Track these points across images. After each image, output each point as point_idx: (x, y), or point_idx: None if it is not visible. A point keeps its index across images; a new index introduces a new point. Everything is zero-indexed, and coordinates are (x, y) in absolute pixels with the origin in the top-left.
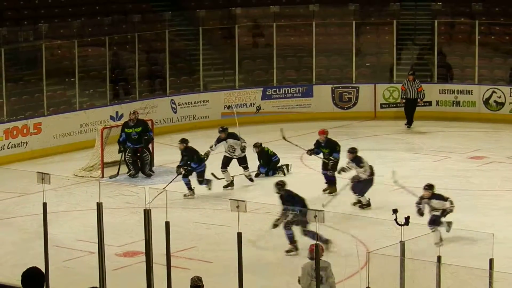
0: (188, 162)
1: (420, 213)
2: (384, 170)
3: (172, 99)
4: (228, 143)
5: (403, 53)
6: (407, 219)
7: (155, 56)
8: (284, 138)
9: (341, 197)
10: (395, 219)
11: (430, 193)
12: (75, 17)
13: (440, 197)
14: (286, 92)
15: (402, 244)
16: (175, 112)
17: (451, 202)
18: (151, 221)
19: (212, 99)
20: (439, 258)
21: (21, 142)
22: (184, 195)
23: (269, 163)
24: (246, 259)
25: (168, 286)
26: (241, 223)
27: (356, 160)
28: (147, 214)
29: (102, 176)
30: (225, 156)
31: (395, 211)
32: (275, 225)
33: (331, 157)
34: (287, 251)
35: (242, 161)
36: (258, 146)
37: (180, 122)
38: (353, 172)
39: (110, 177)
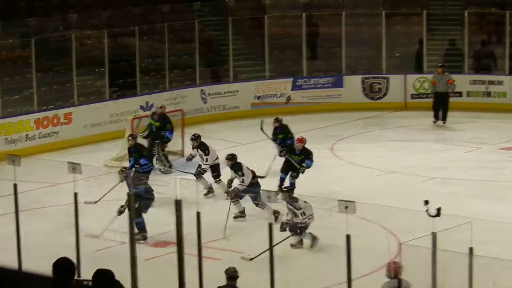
0: (138, 160)
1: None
2: (414, 161)
3: (202, 90)
4: (198, 152)
5: (433, 43)
6: (438, 210)
7: (185, 46)
8: (261, 129)
9: (374, 188)
10: (427, 210)
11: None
12: (104, 7)
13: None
14: (316, 82)
15: (434, 235)
16: (205, 103)
17: (303, 214)
18: (183, 211)
19: (242, 89)
20: (471, 249)
21: (52, 132)
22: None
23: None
24: (278, 249)
25: (200, 276)
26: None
27: (236, 167)
28: (178, 204)
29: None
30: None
31: (426, 202)
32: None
33: (303, 164)
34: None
35: (213, 170)
36: (279, 121)
37: (210, 112)
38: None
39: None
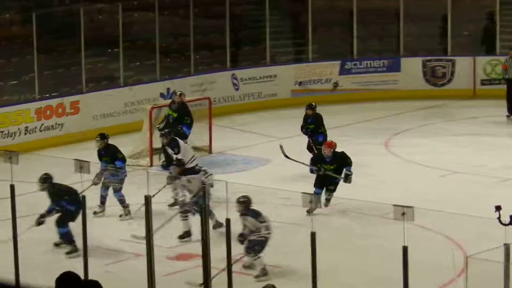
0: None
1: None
2: (485, 159)
3: (233, 74)
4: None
5: (507, 19)
6: None
7: (213, 23)
8: (285, 155)
9: (436, 191)
10: (498, 218)
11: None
12: None
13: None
14: (369, 65)
15: (507, 247)
16: (236, 89)
17: (267, 228)
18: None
19: (280, 74)
20: None
21: (56, 124)
22: (95, 212)
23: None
24: (321, 263)
25: None
26: (316, 221)
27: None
28: (204, 210)
29: (151, 165)
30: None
31: (498, 208)
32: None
33: (347, 172)
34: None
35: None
36: (313, 108)
37: (242, 101)
38: None
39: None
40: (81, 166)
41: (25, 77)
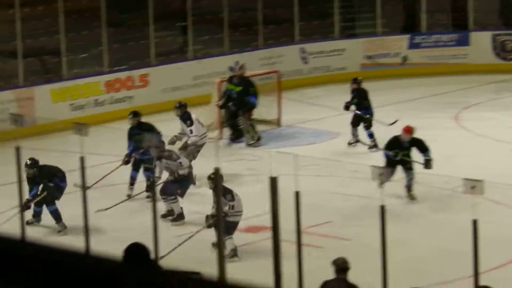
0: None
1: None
2: None
3: (302, 48)
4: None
5: None
6: None
7: None
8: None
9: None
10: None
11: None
12: None
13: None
14: (438, 40)
15: None
16: (305, 63)
17: (233, 207)
18: (278, 190)
19: (349, 47)
20: None
21: (125, 97)
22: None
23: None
24: (392, 237)
25: (299, 267)
26: (385, 194)
27: (185, 116)
28: (273, 182)
29: (220, 138)
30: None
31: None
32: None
33: (427, 158)
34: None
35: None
36: (358, 83)
37: (311, 74)
38: None
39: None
40: (150, 139)
41: (94, 51)
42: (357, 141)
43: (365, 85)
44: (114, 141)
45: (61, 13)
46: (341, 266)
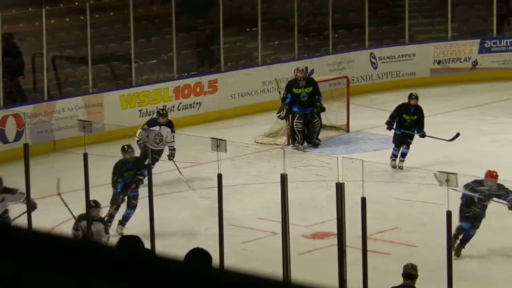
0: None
1: None
2: None
3: (371, 53)
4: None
5: None
6: None
7: (352, 1)
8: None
9: None
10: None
11: None
12: None
13: None
14: (509, 44)
15: None
16: (375, 68)
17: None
18: (345, 196)
19: (419, 52)
20: None
21: (194, 103)
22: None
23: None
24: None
25: (364, 273)
26: (452, 200)
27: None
28: (340, 188)
29: (288, 144)
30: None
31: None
32: None
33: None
34: None
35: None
36: (414, 98)
37: (381, 79)
38: None
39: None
40: (218, 144)
41: (163, 56)
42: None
43: (435, 91)
44: (182, 147)
45: (131, 19)
46: (407, 272)
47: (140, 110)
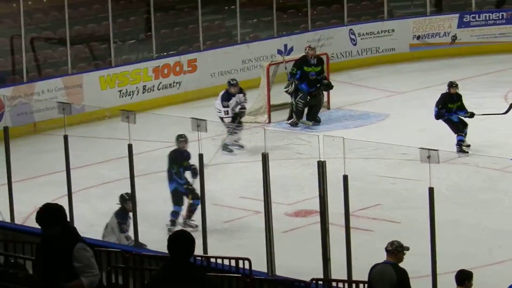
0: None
1: None
2: None
3: (351, 29)
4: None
5: None
6: None
7: None
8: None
9: None
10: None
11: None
12: None
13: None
14: (488, 18)
15: None
16: (354, 44)
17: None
18: (327, 174)
19: (398, 27)
20: None
21: (173, 82)
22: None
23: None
24: (440, 218)
25: (348, 251)
26: (434, 176)
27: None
28: (321, 166)
29: (269, 122)
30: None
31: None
32: None
33: None
34: None
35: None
36: (455, 86)
37: (360, 56)
38: None
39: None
40: (198, 124)
41: (142, 36)
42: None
43: (415, 66)
44: (162, 127)
45: None
46: (393, 249)
47: (120, 91)
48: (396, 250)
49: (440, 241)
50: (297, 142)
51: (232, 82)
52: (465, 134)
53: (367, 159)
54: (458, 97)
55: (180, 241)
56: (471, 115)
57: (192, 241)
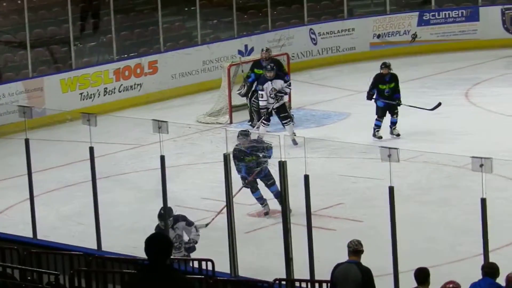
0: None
1: None
2: None
3: (311, 29)
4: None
5: None
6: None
7: None
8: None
9: None
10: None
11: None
12: None
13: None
14: (447, 16)
15: None
16: (315, 44)
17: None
18: (288, 174)
19: (358, 26)
20: None
21: (134, 84)
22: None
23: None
24: (402, 217)
25: (310, 250)
26: (394, 175)
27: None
28: (282, 166)
29: (230, 122)
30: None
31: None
32: None
33: None
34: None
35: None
36: (388, 66)
37: (321, 55)
38: None
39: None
40: (160, 126)
41: (102, 38)
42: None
43: (375, 65)
44: (124, 129)
45: (68, 1)
46: (354, 249)
47: (81, 93)
48: (356, 248)
49: (401, 240)
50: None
51: (268, 68)
52: (392, 122)
53: (328, 158)
54: (392, 78)
55: (157, 243)
56: (398, 103)
57: (169, 243)
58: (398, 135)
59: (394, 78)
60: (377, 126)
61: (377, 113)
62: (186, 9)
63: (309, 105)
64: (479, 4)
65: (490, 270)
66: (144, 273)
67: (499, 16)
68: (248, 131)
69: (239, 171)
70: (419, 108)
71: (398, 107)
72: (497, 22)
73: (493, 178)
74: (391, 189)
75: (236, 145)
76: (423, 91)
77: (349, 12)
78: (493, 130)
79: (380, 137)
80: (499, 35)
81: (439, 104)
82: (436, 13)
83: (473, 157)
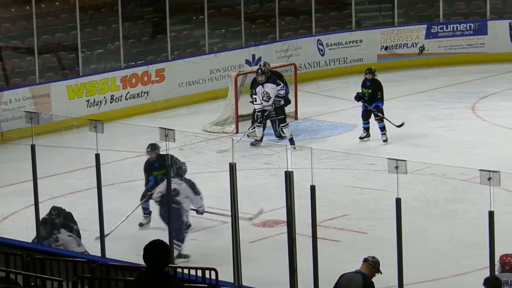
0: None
1: None
2: None
3: (318, 39)
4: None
5: None
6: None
7: None
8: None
9: None
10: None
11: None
12: None
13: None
14: (455, 29)
15: None
16: (322, 55)
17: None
18: (294, 185)
19: (366, 38)
20: None
21: (141, 92)
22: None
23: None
24: (407, 229)
25: (314, 261)
26: (401, 187)
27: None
28: (289, 176)
29: (237, 132)
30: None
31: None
32: None
33: None
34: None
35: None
36: (372, 72)
37: (328, 66)
38: None
39: (249, 136)
40: (167, 134)
41: (110, 46)
42: (368, 135)
43: (382, 77)
44: (130, 137)
45: (77, 8)
46: (370, 262)
47: (88, 100)
48: (373, 264)
49: (407, 252)
50: (265, 152)
51: (259, 72)
52: (379, 127)
53: (334, 169)
54: (373, 84)
55: (156, 250)
56: (372, 110)
57: (168, 250)
58: (384, 141)
59: (375, 85)
60: (363, 129)
61: (362, 117)
62: (194, 18)
63: (315, 115)
64: (487, 17)
65: (495, 281)
66: (142, 280)
67: (507, 30)
68: (157, 144)
69: (147, 182)
70: (390, 122)
71: (380, 114)
72: (505, 36)
73: (499, 191)
74: (398, 201)
75: (148, 158)
76: (430, 104)
77: (357, 23)
78: (499, 144)
79: (361, 138)
80: (507, 49)
81: (403, 124)
82: (444, 26)
83: (481, 170)
